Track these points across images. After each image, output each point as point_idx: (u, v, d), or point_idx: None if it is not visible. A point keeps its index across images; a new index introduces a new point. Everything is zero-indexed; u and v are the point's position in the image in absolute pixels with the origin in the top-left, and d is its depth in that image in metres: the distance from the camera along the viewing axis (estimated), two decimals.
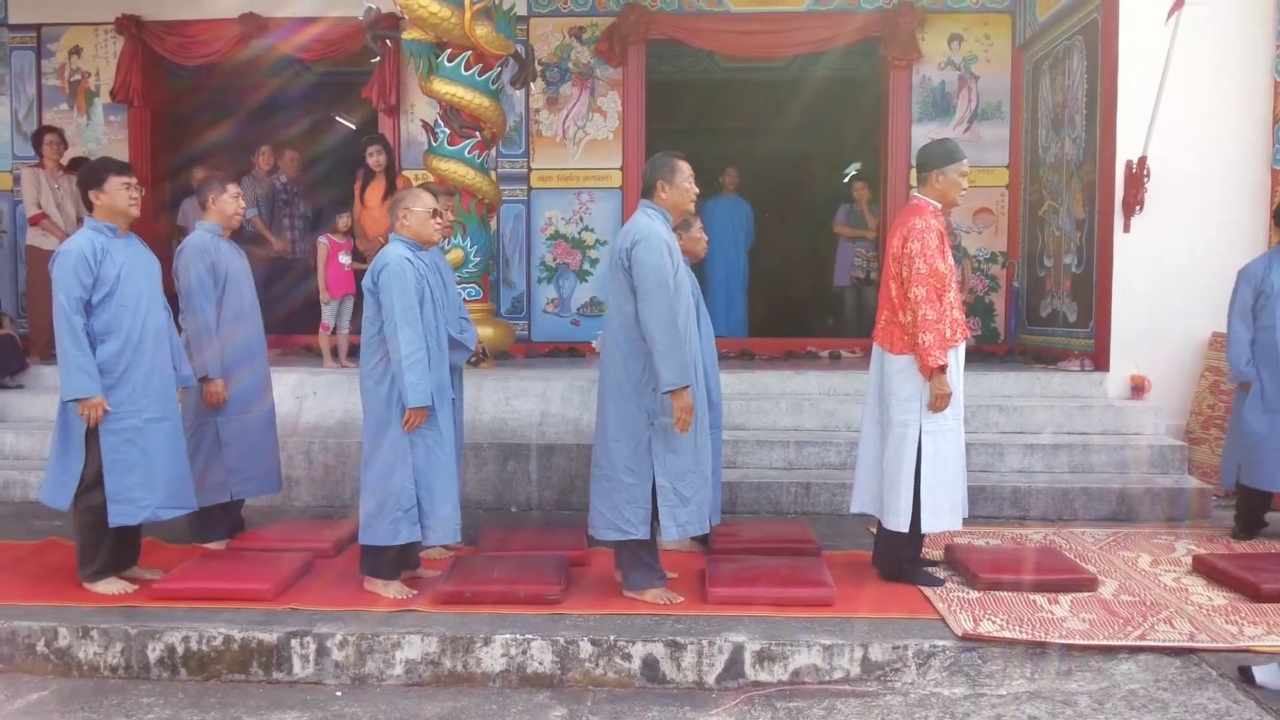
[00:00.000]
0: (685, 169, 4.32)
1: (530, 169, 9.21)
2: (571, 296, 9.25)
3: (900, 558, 4.61)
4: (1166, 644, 3.89)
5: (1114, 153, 6.79)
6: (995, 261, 9.09)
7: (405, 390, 4.17)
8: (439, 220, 4.53)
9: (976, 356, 8.57)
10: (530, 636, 3.88)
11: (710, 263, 9.08)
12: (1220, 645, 3.91)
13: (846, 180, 13.32)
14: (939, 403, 4.38)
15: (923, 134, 8.99)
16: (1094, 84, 7.30)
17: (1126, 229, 6.78)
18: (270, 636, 3.91)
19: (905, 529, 4.48)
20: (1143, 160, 6.58)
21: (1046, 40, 8.28)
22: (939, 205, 4.55)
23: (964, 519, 4.63)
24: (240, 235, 6.06)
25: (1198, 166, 6.71)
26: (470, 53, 6.95)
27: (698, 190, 4.39)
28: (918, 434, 4.44)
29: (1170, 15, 6.24)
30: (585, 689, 3.82)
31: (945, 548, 5.05)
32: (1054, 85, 8.14)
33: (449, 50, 6.99)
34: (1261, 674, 3.63)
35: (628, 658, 3.85)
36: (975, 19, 8.99)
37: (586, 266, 9.22)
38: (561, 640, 3.86)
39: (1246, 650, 3.87)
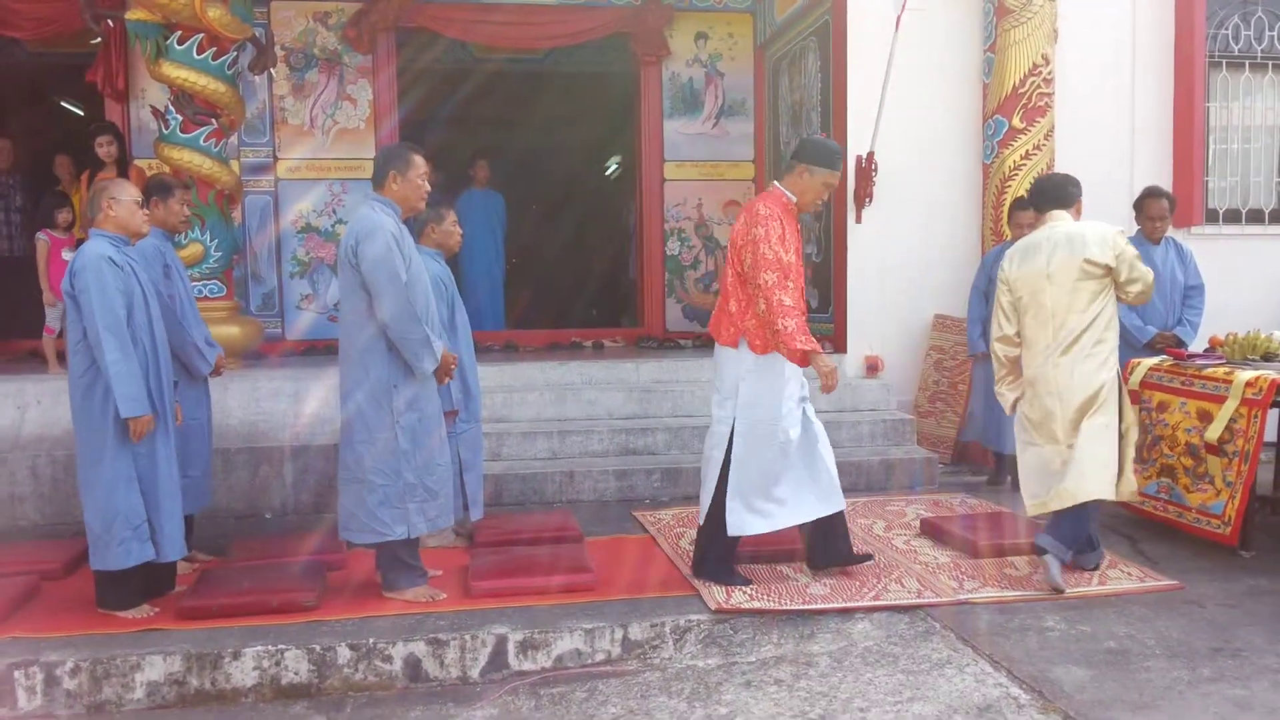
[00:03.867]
0: (420, 164, 4.21)
1: (277, 158, 8.81)
2: (327, 291, 8.92)
3: (706, 554, 4.46)
4: (897, 603, 4.24)
5: (845, 148, 7.24)
6: None
7: (118, 401, 3.89)
8: (148, 211, 4.25)
9: None
10: (284, 646, 3.73)
11: (466, 256, 9.01)
12: (944, 600, 4.29)
13: (609, 174, 13.60)
14: (829, 380, 4.15)
15: (674, 128, 9.34)
16: (827, 83, 7.77)
17: (858, 220, 7.28)
18: None
19: (702, 522, 4.41)
20: (871, 155, 7.08)
21: (784, 40, 8.74)
22: (794, 200, 4.36)
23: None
24: None
25: (921, 161, 7.28)
26: (203, 35, 6.57)
27: (429, 188, 4.28)
28: (729, 431, 4.31)
29: (899, 17, 6.68)
30: (345, 695, 3.73)
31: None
32: (792, 84, 8.60)
33: (179, 32, 6.57)
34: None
35: (388, 659, 3.78)
36: (719, 18, 9.36)
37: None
38: (318, 648, 3.74)
39: (965, 602, 4.26)
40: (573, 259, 13.12)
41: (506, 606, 4.13)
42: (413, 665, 3.80)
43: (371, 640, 3.79)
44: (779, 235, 4.20)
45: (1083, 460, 4.37)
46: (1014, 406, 4.68)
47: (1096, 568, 4.64)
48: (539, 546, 4.84)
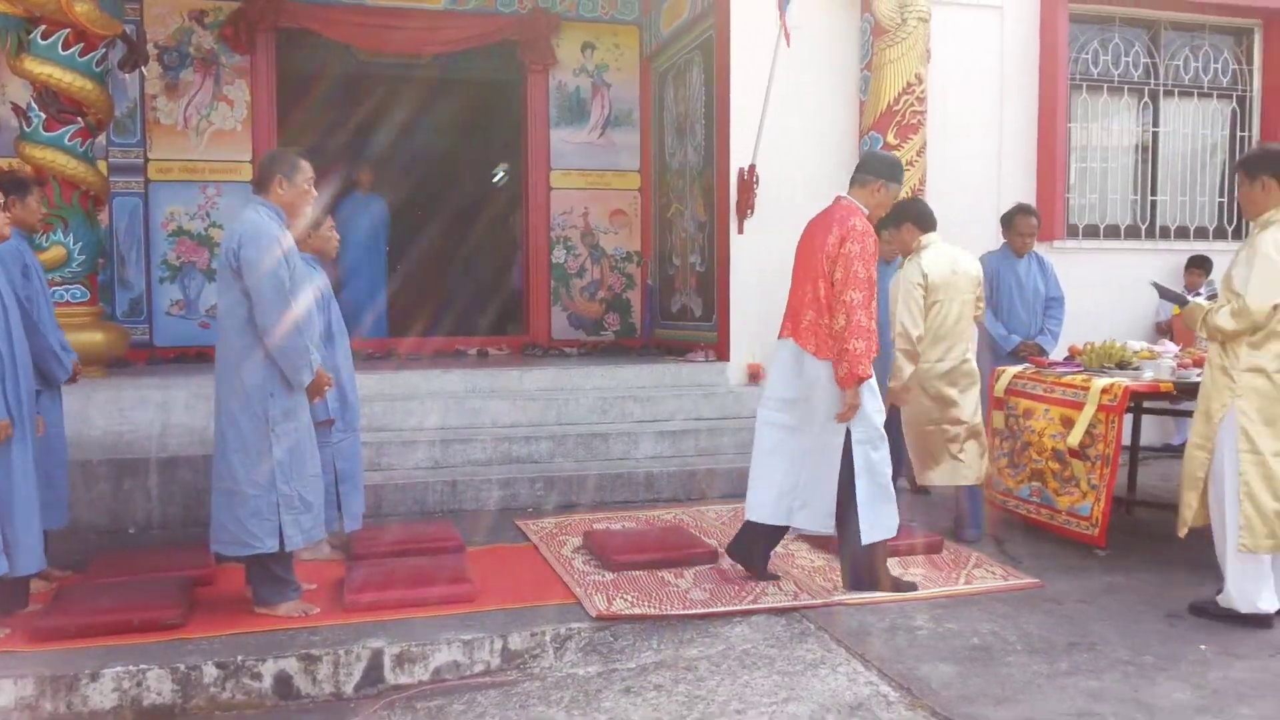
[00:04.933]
0: (307, 169, 4.16)
1: (148, 159, 8.49)
2: (199, 297, 8.62)
3: (861, 567, 4.45)
4: (774, 605, 4.31)
5: (728, 160, 7.37)
6: (631, 260, 9.59)
7: None
8: (8, 214, 4.08)
9: (616, 351, 9.03)
10: (146, 666, 3.58)
11: (349, 262, 8.85)
12: (818, 601, 4.38)
13: (496, 181, 13.49)
14: (849, 413, 4.25)
15: (560, 138, 9.36)
16: (710, 96, 7.89)
17: (740, 230, 7.40)
18: None
19: (834, 531, 4.40)
20: (752, 168, 7.20)
21: (670, 53, 8.84)
22: (866, 212, 4.41)
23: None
24: None
25: (800, 174, 7.40)
26: (69, 30, 6.30)
27: (316, 194, 4.24)
28: (845, 442, 4.31)
29: (788, 37, 6.79)
30: (211, 715, 3.60)
31: (584, 534, 5.27)
32: (678, 96, 8.70)
33: (43, 26, 6.29)
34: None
35: (258, 677, 3.66)
36: (606, 29, 9.42)
37: (215, 265, 8.63)
38: (182, 667, 3.61)
39: (839, 604, 4.37)
40: (458, 266, 12.95)
41: (383, 620, 4.05)
42: (284, 682, 3.69)
43: (240, 658, 3.67)
44: (871, 252, 4.27)
45: (974, 450, 5.34)
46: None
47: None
48: (418, 557, 4.77)
